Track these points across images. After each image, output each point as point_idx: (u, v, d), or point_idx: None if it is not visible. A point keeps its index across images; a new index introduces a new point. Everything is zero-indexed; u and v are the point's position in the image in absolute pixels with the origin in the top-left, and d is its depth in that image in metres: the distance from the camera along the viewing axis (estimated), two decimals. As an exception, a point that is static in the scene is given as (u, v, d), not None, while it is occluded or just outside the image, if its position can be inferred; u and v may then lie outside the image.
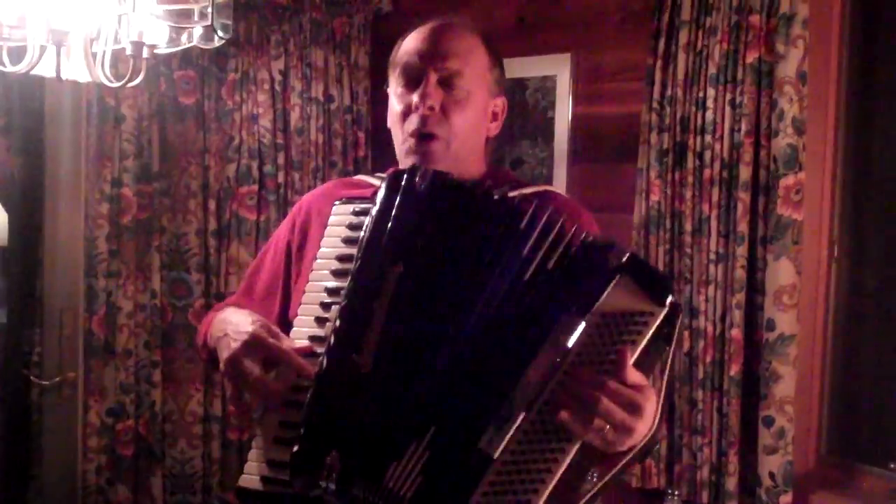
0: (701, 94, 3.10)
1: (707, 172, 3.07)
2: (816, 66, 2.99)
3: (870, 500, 3.00)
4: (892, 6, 3.11)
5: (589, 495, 1.51)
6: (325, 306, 1.67)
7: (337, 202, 1.81)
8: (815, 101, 2.99)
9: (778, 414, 2.93)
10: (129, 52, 2.41)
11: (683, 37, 3.13)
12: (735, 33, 3.01)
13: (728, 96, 3.02)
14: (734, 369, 3.01)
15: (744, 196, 2.99)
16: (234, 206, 3.91)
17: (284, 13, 3.94)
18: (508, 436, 1.44)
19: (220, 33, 2.45)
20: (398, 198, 1.62)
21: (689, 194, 3.13)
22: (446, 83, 1.87)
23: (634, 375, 1.44)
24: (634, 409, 1.44)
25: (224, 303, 2.15)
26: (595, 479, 1.52)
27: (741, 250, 2.99)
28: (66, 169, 3.61)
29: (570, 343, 1.44)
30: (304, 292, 1.74)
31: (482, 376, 1.49)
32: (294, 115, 3.99)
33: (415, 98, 1.86)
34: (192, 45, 2.63)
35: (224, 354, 1.69)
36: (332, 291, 1.67)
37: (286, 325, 1.89)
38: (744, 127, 2.98)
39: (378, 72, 4.19)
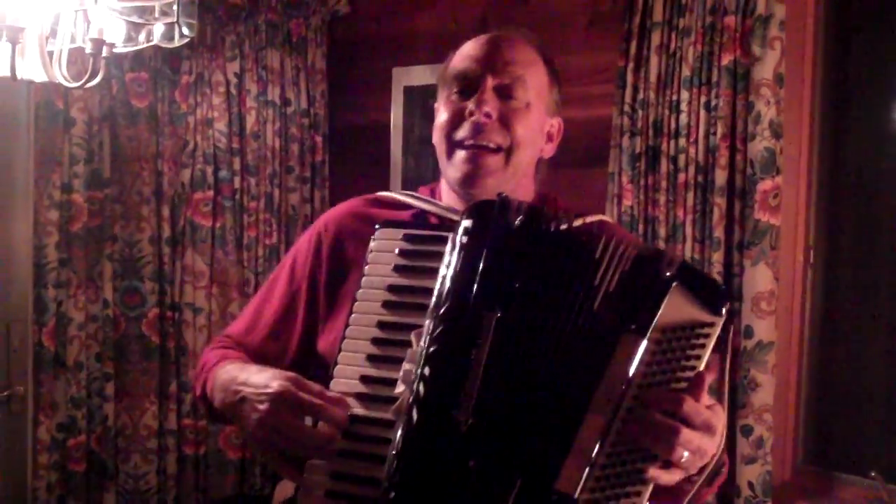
0: (674, 97, 3.05)
1: (681, 177, 3.02)
2: (791, 68, 2.95)
3: (848, 510, 2.97)
4: (866, 6, 3.08)
5: None
6: (379, 342, 1.51)
7: (378, 226, 1.61)
8: (790, 103, 2.95)
9: (756, 423, 2.88)
10: (88, 50, 2.30)
11: (656, 38, 3.08)
12: (710, 35, 2.96)
13: (703, 99, 2.97)
14: (711, 377, 2.94)
15: (719, 201, 2.93)
16: (189, 212, 3.79)
17: (240, 14, 3.83)
18: (585, 473, 1.35)
19: (186, 31, 2.34)
20: (491, 234, 1.46)
21: (662, 199, 3.07)
22: (504, 92, 1.71)
23: (706, 395, 1.37)
24: (709, 430, 1.36)
25: (224, 335, 1.96)
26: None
27: (717, 256, 2.94)
28: (14, 174, 3.46)
29: (634, 365, 1.36)
30: (346, 325, 1.55)
31: (555, 414, 1.39)
32: (250, 119, 3.88)
33: (470, 104, 1.69)
34: (152, 43, 2.53)
35: (252, 418, 1.51)
36: (385, 325, 1.51)
37: (307, 362, 1.77)
38: (719, 130, 2.93)
39: (335, 74, 4.11)
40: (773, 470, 2.93)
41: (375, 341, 1.51)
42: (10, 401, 3.45)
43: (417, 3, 3.90)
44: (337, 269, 1.79)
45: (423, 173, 3.84)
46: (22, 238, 3.48)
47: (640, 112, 3.13)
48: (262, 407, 1.48)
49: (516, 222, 1.45)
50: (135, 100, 3.70)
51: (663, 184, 3.08)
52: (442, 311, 1.43)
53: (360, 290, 1.56)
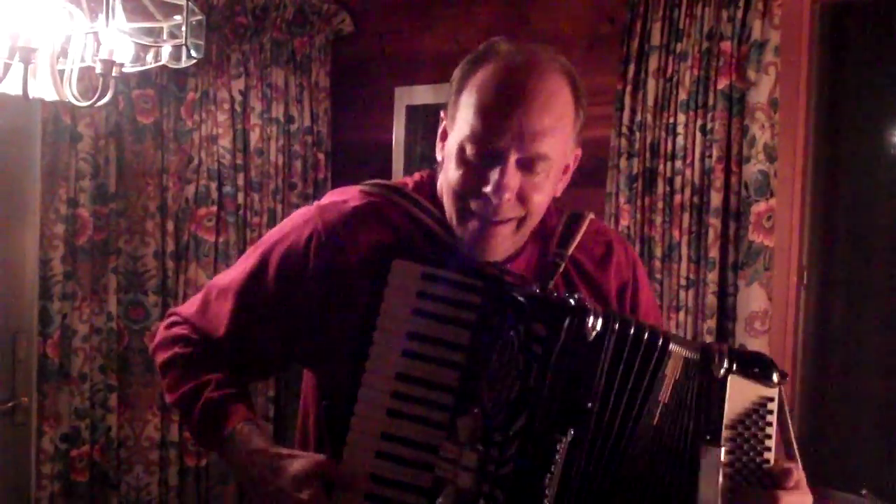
0: (671, 120, 3.10)
1: (678, 198, 3.07)
2: (786, 93, 3.00)
3: (840, 527, 3.00)
4: (859, 31, 3.14)
5: None
6: (399, 396, 1.48)
7: (393, 258, 1.53)
8: (784, 127, 3.00)
9: (749, 440, 2.92)
10: (99, 70, 2.35)
11: (653, 62, 3.13)
12: (706, 59, 3.02)
13: (699, 122, 3.03)
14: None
15: (714, 222, 2.99)
16: (193, 227, 3.84)
17: (245, 32, 3.88)
18: None
19: (194, 53, 2.40)
20: (564, 347, 1.40)
21: (659, 220, 3.13)
22: (527, 165, 1.55)
23: (790, 474, 1.45)
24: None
25: (189, 322, 1.82)
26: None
27: (712, 276, 2.99)
28: (21, 188, 3.51)
29: (721, 475, 1.43)
30: (362, 370, 1.49)
31: None
32: (254, 136, 3.94)
33: (489, 186, 1.53)
34: (160, 63, 2.59)
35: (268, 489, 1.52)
36: (406, 378, 1.48)
37: (272, 368, 1.79)
38: (715, 153, 2.98)
39: (339, 93, 4.16)
40: (766, 487, 2.97)
41: (396, 395, 1.48)
42: (15, 411, 3.49)
43: (420, 24, 3.96)
44: (336, 282, 1.66)
45: (423, 191, 3.89)
46: (28, 251, 3.52)
47: (637, 134, 3.19)
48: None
49: (592, 335, 1.41)
50: (141, 116, 3.75)
51: (660, 204, 3.13)
52: (519, 429, 1.39)
53: (377, 333, 1.50)
